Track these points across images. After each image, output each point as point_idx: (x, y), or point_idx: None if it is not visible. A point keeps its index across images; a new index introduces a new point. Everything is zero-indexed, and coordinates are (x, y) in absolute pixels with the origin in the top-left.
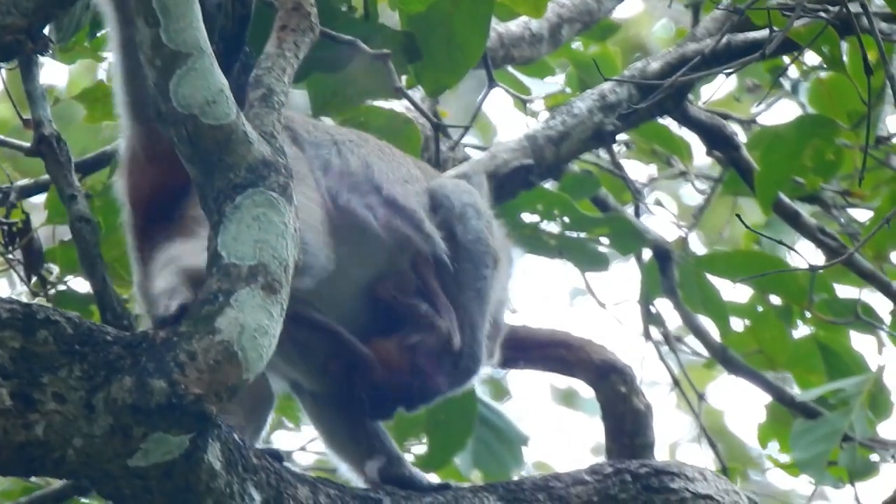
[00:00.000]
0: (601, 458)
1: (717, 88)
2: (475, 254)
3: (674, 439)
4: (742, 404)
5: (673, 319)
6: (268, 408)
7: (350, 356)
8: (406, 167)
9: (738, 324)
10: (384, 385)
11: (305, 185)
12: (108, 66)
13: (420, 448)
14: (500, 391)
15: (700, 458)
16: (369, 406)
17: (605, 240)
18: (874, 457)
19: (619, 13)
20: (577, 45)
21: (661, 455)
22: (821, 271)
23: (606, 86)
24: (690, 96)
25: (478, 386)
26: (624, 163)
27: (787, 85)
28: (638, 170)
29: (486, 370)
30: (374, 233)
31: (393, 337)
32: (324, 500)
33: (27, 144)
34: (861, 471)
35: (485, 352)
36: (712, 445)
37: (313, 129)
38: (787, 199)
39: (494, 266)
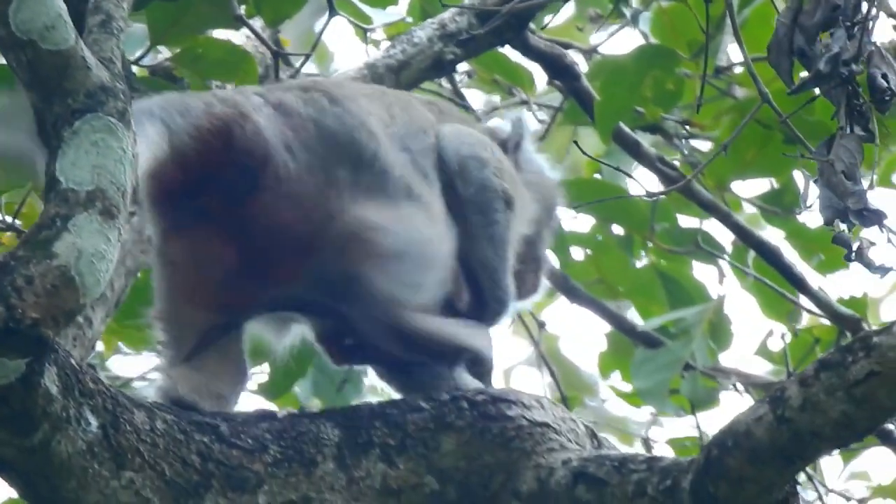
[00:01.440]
0: None
1: (554, 17)
2: (481, 204)
3: (509, 365)
4: (580, 332)
5: None
6: (243, 382)
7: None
8: (420, 112)
9: (578, 253)
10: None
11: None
12: None
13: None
14: None
15: (536, 384)
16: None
17: None
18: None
19: None
20: None
21: (496, 381)
22: (661, 199)
23: (447, 14)
24: (532, 25)
25: None
26: (466, 92)
27: (628, 14)
28: (479, 99)
29: (524, 303)
30: (396, 183)
31: None
32: (160, 426)
33: None
34: (702, 400)
35: (512, 289)
36: (551, 373)
37: (340, 87)
38: (627, 129)
39: (508, 208)
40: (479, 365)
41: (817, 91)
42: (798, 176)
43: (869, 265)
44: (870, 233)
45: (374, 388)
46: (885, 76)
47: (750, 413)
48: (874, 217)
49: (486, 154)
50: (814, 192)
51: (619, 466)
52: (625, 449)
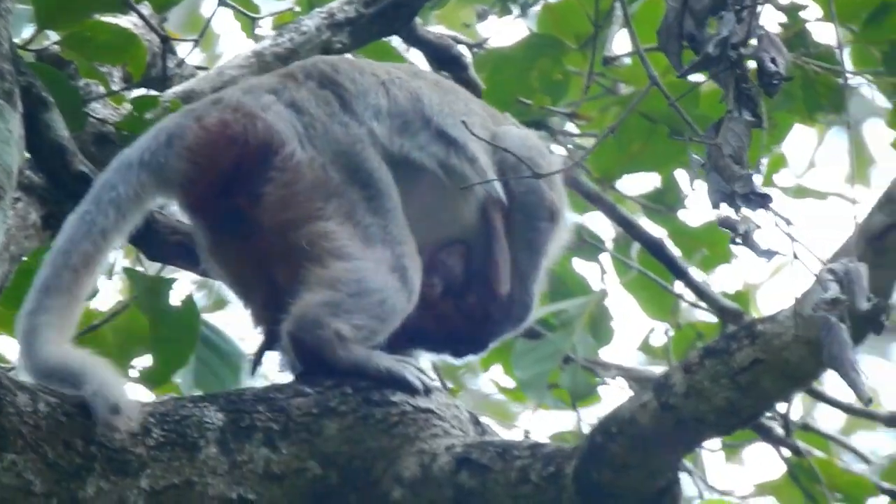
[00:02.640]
0: None
1: (441, 7)
2: (527, 205)
3: None
4: None
5: None
6: None
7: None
8: (465, 102)
9: None
10: (437, 335)
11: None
12: None
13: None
14: (220, 302)
15: None
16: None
17: None
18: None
19: None
20: None
21: None
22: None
23: (335, 3)
24: (419, 20)
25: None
26: None
27: (515, 10)
28: None
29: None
30: (434, 174)
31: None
32: (43, 408)
33: None
34: (582, 392)
35: (536, 301)
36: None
37: (359, 75)
38: (513, 120)
39: (552, 220)
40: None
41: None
42: (681, 175)
43: (755, 249)
44: (756, 216)
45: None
46: (773, 60)
47: (634, 400)
48: (761, 201)
49: (543, 161)
50: (699, 189)
51: (502, 453)
52: (507, 435)
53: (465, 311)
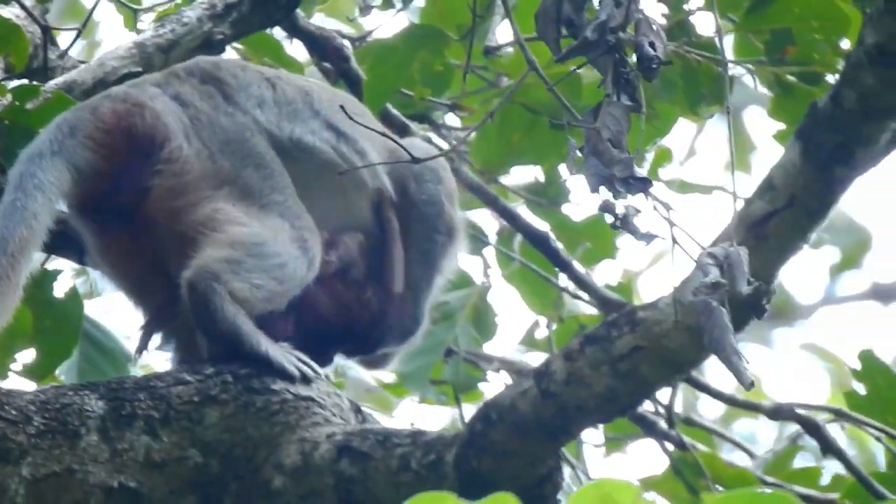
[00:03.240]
0: None
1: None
2: (427, 216)
3: None
4: None
5: None
6: None
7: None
8: (352, 104)
9: None
10: (323, 334)
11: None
12: None
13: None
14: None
15: None
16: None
17: None
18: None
19: None
20: None
21: None
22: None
23: None
24: (300, 12)
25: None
26: None
27: (398, 3)
28: None
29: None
30: (326, 156)
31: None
32: None
33: None
34: (465, 385)
35: (426, 319)
36: None
37: (241, 71)
38: (395, 111)
39: (449, 235)
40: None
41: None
42: (563, 169)
43: (635, 233)
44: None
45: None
46: (652, 44)
47: (515, 387)
48: (640, 185)
49: (445, 174)
50: (578, 177)
51: (383, 441)
52: (388, 423)
53: (361, 303)
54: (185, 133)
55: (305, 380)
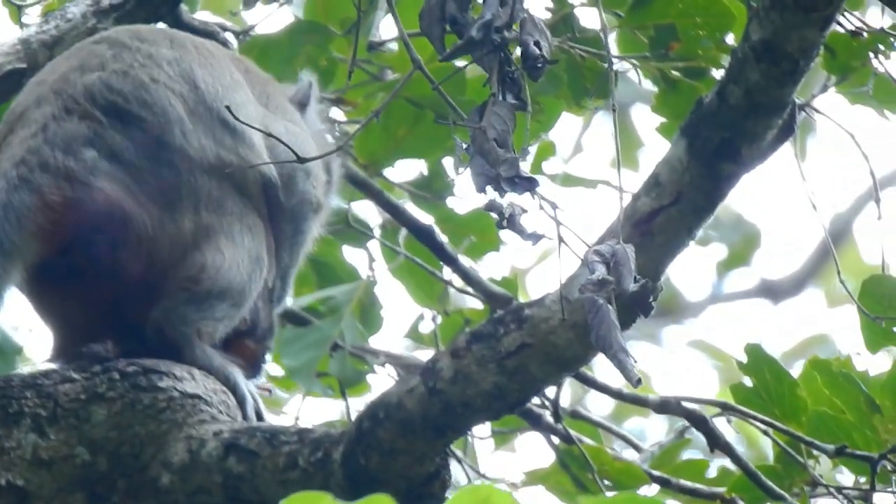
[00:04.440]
0: None
1: None
2: (296, 214)
3: None
4: None
5: None
6: None
7: None
8: (231, 75)
9: None
10: None
11: None
12: None
13: None
14: None
15: None
16: None
17: None
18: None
19: None
20: None
21: None
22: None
23: None
24: (184, 6)
25: None
26: None
27: None
28: None
29: None
30: (233, 164)
31: None
32: None
33: None
34: (351, 380)
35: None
36: None
37: (146, 92)
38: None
39: (315, 213)
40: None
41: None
42: (448, 162)
43: (521, 232)
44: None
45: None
46: (537, 43)
47: (402, 385)
48: (526, 184)
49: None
50: (463, 174)
51: (270, 438)
52: (277, 422)
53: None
54: (139, 203)
55: (259, 414)
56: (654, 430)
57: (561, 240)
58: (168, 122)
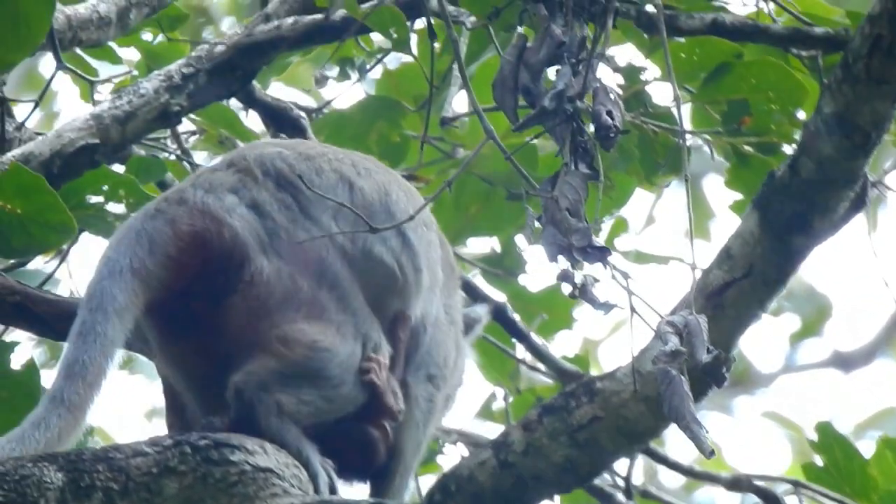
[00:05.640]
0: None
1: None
2: (424, 410)
3: None
4: None
5: None
6: None
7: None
8: (428, 219)
9: None
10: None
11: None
12: None
13: None
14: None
15: None
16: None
17: None
18: None
19: None
20: (146, 35)
21: None
22: None
23: (174, 66)
24: (257, 83)
25: None
26: (194, 153)
27: (354, 75)
28: (206, 158)
29: None
30: (388, 269)
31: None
32: None
33: None
34: (422, 458)
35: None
36: None
37: (317, 176)
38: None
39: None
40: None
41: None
42: (520, 240)
43: (593, 302)
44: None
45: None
46: (609, 113)
47: (473, 458)
48: (598, 254)
49: (447, 372)
50: (535, 247)
51: None
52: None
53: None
54: (263, 251)
55: (333, 490)
56: (724, 501)
57: (633, 310)
58: (325, 204)
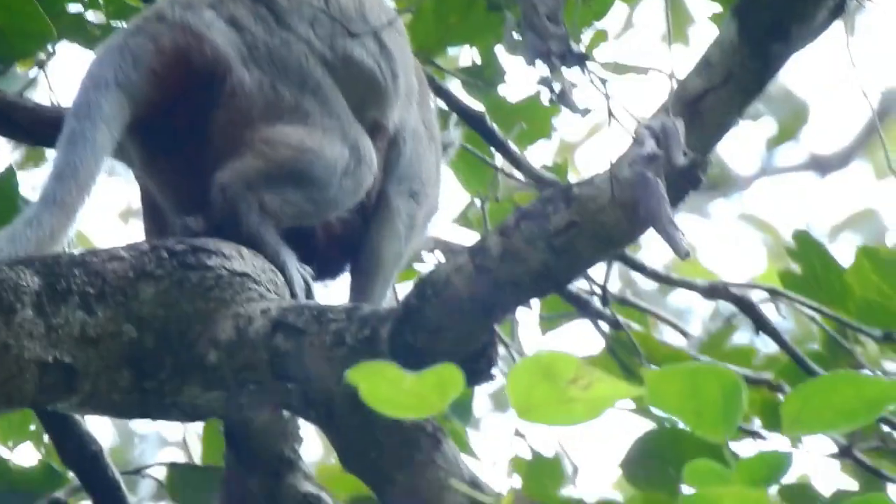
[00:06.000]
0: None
1: None
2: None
3: None
4: None
5: None
6: None
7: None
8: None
9: None
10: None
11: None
12: None
13: None
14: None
15: None
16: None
17: None
18: None
19: None
20: None
21: None
22: None
23: None
24: None
25: None
26: None
27: None
28: None
29: None
30: (370, 73)
31: None
32: None
33: None
34: None
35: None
36: None
37: None
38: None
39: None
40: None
41: None
42: (500, 50)
43: (571, 106)
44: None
45: None
46: None
47: (450, 263)
48: (576, 59)
49: (428, 190)
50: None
51: (318, 316)
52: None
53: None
54: (244, 63)
55: (309, 295)
56: (701, 305)
57: (611, 114)
58: (299, 10)
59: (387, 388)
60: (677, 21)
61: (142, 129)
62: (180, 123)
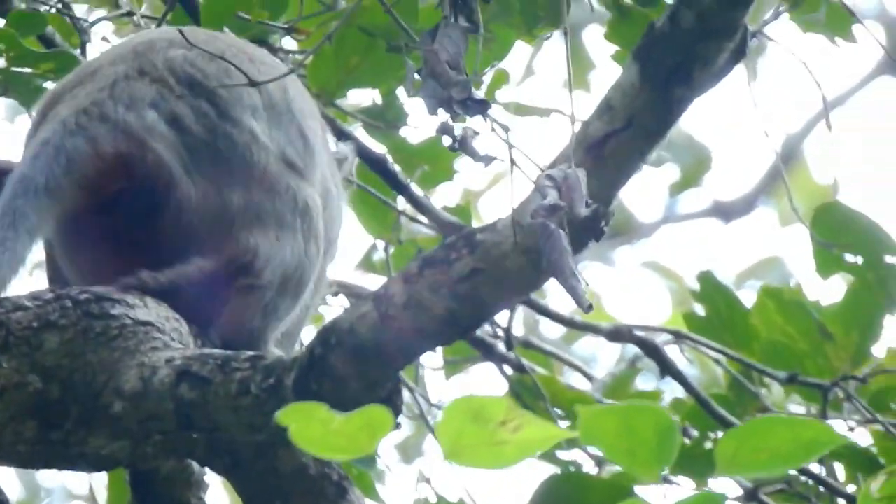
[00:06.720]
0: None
1: None
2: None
3: None
4: None
5: None
6: None
7: None
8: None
9: None
10: None
11: None
12: None
13: None
14: None
15: None
16: None
17: (50, 75)
18: None
19: None
20: None
21: None
22: None
23: None
24: None
25: None
26: (74, 6)
27: None
28: (86, 11)
29: None
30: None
31: None
32: None
33: None
34: None
35: None
36: None
37: (227, 78)
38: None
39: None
40: None
41: None
42: (401, 92)
43: (473, 154)
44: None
45: None
46: None
47: (353, 311)
48: (477, 107)
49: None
50: (416, 100)
51: (222, 365)
52: None
53: None
54: (187, 173)
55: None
56: (606, 352)
57: (513, 163)
58: (241, 103)
59: (316, 428)
60: (578, 67)
61: (70, 225)
62: (116, 224)
